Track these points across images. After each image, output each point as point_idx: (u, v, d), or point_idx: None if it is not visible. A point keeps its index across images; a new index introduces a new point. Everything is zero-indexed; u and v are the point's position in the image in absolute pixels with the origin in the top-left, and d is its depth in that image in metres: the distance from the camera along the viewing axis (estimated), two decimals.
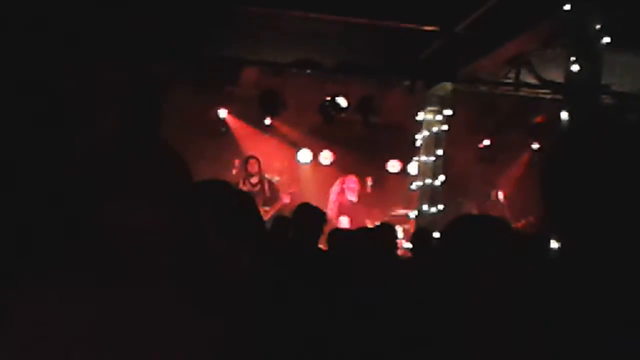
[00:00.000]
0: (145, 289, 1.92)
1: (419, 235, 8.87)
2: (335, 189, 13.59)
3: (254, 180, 13.61)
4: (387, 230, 7.90)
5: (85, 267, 1.89)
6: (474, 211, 12.97)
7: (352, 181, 13.23)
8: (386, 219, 12.84)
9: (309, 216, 7.06)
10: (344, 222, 12.71)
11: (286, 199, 13.51)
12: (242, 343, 2.13)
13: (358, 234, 8.33)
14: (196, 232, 2.19)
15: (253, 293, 2.46)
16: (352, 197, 13.05)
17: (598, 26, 8.59)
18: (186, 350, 1.91)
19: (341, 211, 13.15)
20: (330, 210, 13.27)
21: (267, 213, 12.86)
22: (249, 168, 13.75)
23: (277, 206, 13.46)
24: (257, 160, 13.95)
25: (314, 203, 14.53)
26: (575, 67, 8.57)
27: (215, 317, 2.04)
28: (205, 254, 2.24)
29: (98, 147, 2.10)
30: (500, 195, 13.37)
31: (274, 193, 13.85)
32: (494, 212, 13.06)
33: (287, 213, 11.61)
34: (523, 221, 12.43)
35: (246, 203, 2.69)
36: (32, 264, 1.93)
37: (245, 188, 13.05)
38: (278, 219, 8.69)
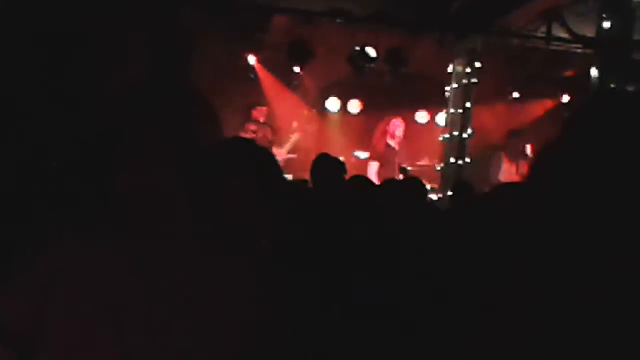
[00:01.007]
0: (171, 242, 1.96)
1: (460, 188, 8.81)
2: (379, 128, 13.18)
3: (253, 127, 13.36)
4: (415, 185, 7.88)
5: (112, 224, 1.93)
6: (505, 163, 12.78)
7: (395, 125, 12.80)
8: (415, 169, 12.80)
9: (328, 168, 6.97)
10: (372, 169, 12.50)
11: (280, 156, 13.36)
12: (274, 301, 2.16)
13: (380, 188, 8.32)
14: (216, 192, 2.21)
15: (275, 254, 2.48)
16: (393, 142, 12.71)
17: None
18: (225, 295, 1.97)
19: (376, 156, 12.81)
20: (371, 155, 13.07)
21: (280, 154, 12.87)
22: (255, 114, 13.58)
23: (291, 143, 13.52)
24: (266, 110, 13.81)
25: (340, 152, 14.53)
26: (607, 24, 8.50)
27: (244, 270, 2.09)
28: (226, 214, 2.26)
29: (125, 95, 2.12)
30: (528, 148, 13.26)
31: (277, 139, 13.79)
32: (522, 164, 12.93)
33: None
34: None
35: (270, 162, 2.70)
36: (64, 222, 1.98)
37: (247, 135, 12.96)
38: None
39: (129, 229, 1.94)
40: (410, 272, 4.45)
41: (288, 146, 13.83)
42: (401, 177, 11.92)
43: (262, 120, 13.61)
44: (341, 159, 14.35)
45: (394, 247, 5.20)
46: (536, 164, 1.72)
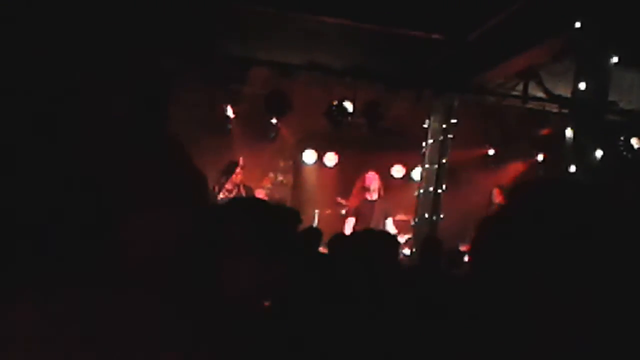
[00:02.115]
0: (142, 301, 1.91)
1: (429, 244, 8.85)
2: (356, 186, 13.24)
3: (229, 186, 13.35)
4: (387, 240, 7.89)
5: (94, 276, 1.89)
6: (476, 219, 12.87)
7: (370, 179, 12.85)
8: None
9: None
10: (349, 224, 12.55)
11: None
12: None
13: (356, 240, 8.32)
14: (211, 246, 2.18)
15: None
16: (370, 196, 12.74)
17: (607, 45, 8.60)
18: None
19: (352, 212, 12.87)
20: (347, 210, 13.14)
21: None
22: (234, 178, 13.53)
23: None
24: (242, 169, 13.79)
25: (315, 204, 14.49)
26: (582, 85, 8.59)
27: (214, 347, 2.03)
28: (217, 274, 2.23)
29: (106, 144, 2.09)
30: (499, 196, 13.32)
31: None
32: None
33: None
34: None
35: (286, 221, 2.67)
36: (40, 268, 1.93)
37: (221, 194, 12.97)
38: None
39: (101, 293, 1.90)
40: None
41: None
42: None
43: (239, 181, 13.57)
44: (316, 211, 14.47)
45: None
46: (476, 240, 1.78)
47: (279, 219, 2.58)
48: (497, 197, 13.32)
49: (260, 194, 13.85)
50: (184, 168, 2.04)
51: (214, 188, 13.06)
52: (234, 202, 2.63)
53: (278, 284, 2.45)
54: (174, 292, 1.94)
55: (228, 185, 13.25)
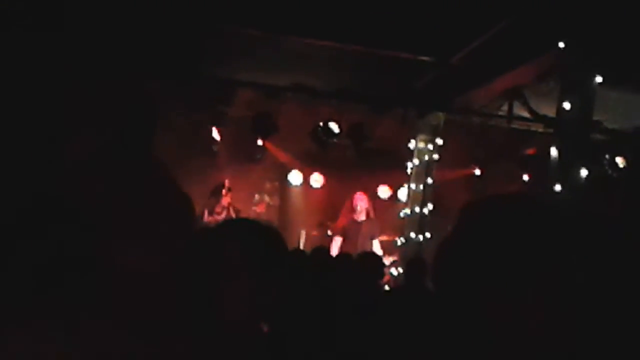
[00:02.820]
0: (132, 332, 1.89)
1: (414, 265, 8.86)
2: (345, 206, 13.27)
3: (218, 209, 13.37)
4: (371, 260, 7.91)
5: (75, 306, 1.87)
6: None
7: (358, 199, 12.89)
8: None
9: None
10: (336, 244, 12.55)
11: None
12: None
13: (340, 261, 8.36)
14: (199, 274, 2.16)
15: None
16: (357, 217, 12.77)
17: (591, 65, 8.64)
18: None
19: (339, 232, 12.89)
20: (335, 230, 13.16)
21: None
22: (223, 200, 13.54)
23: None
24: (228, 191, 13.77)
25: (301, 225, 14.46)
26: (567, 104, 8.62)
27: None
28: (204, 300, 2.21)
29: (89, 168, 2.07)
30: None
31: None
32: None
33: None
34: None
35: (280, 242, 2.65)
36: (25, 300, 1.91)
37: (210, 216, 12.98)
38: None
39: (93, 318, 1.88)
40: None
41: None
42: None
43: (227, 203, 13.55)
44: (302, 232, 14.46)
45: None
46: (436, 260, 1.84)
47: (273, 240, 2.57)
48: None
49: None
50: (167, 193, 2.02)
51: (202, 211, 13.05)
52: (228, 224, 2.60)
53: (275, 306, 2.44)
54: (173, 322, 1.93)
55: (217, 208, 13.25)
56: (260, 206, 14.81)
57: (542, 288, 1.58)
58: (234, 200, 13.68)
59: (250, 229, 2.57)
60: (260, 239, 2.51)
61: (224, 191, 13.50)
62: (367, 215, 12.76)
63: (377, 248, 12.44)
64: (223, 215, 13.20)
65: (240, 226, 2.65)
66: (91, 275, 1.90)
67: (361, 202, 12.70)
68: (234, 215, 13.36)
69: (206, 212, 13.08)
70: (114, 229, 1.92)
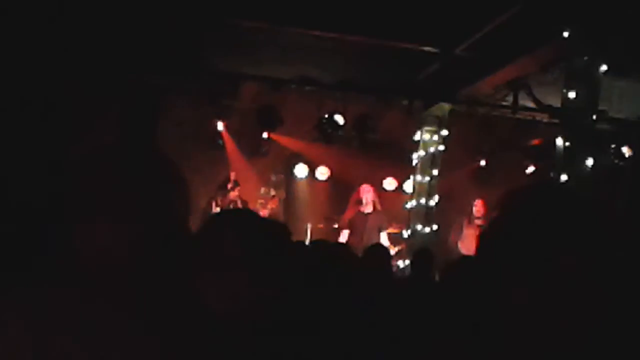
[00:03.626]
0: (100, 314, 1.86)
1: (420, 256, 8.85)
2: (352, 199, 13.25)
3: (226, 202, 13.38)
4: (379, 251, 7.88)
5: (47, 284, 1.84)
6: (465, 227, 12.92)
7: (365, 191, 12.85)
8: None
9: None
10: (343, 237, 12.53)
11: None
12: None
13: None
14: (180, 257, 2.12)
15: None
16: (364, 209, 12.74)
17: (596, 53, 8.62)
18: None
19: (346, 224, 12.87)
20: (341, 223, 13.14)
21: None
22: (231, 194, 13.54)
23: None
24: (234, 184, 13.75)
25: (307, 218, 14.46)
26: (572, 94, 8.60)
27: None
28: (182, 287, 2.15)
29: (89, 158, 2.06)
30: (479, 206, 13.27)
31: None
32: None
33: None
34: None
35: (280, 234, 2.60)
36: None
37: (218, 208, 12.98)
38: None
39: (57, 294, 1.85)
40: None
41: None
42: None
43: (235, 194, 13.55)
44: (308, 224, 14.45)
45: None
46: (480, 244, 1.80)
47: (272, 233, 2.52)
48: (480, 209, 13.27)
49: (263, 212, 13.73)
50: (148, 177, 2.00)
51: (209, 203, 13.06)
52: (225, 214, 2.57)
53: (273, 301, 2.38)
54: (141, 306, 1.89)
55: (225, 201, 13.27)
56: (272, 201, 14.75)
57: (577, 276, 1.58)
58: (241, 193, 13.69)
59: (250, 220, 2.53)
60: (260, 230, 2.47)
61: (229, 185, 13.51)
62: (374, 207, 12.74)
63: (384, 240, 12.43)
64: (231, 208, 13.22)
65: (239, 217, 2.61)
66: (59, 257, 1.89)
67: (367, 194, 12.67)
68: (240, 206, 13.38)
69: (214, 205, 13.10)
70: (81, 210, 1.90)
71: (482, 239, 1.79)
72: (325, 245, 8.32)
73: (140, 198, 1.93)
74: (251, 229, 2.43)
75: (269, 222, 2.60)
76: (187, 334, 1.95)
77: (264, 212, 13.47)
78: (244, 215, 2.60)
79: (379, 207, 12.80)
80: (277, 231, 2.55)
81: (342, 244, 10.09)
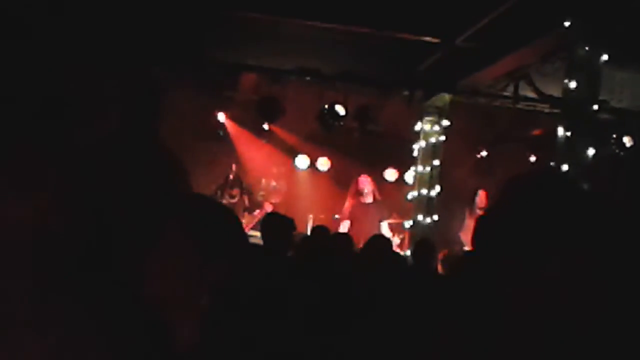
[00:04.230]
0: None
1: (421, 246, 8.88)
2: (350, 190, 13.30)
3: (235, 191, 13.42)
4: (380, 242, 7.89)
5: None
6: (467, 218, 12.98)
7: (363, 182, 12.92)
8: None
9: (277, 225, 7.10)
10: (344, 227, 12.56)
11: (268, 208, 13.32)
12: None
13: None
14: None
15: None
16: (364, 199, 12.80)
17: (597, 43, 8.62)
18: None
19: (347, 216, 12.92)
20: (342, 214, 13.19)
21: (247, 224, 12.83)
22: (233, 183, 13.53)
23: (259, 216, 13.22)
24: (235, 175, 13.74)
25: (309, 208, 14.47)
26: (573, 84, 8.61)
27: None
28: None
29: (97, 148, 2.05)
30: (482, 195, 13.31)
31: (253, 203, 13.66)
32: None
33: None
34: None
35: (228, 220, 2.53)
36: None
37: (224, 200, 12.99)
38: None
39: None
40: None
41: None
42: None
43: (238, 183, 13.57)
44: (310, 216, 14.47)
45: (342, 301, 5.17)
46: (476, 231, 1.80)
47: (225, 219, 2.45)
48: (482, 200, 13.31)
49: (268, 207, 13.68)
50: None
51: (215, 193, 13.08)
52: (177, 198, 2.47)
53: (216, 287, 2.30)
54: (67, 285, 1.85)
55: (227, 192, 13.29)
56: (277, 194, 14.74)
57: (576, 265, 1.57)
58: (243, 183, 13.72)
59: (199, 206, 2.47)
60: (209, 216, 2.41)
61: (231, 176, 13.52)
62: (374, 197, 12.78)
63: (385, 230, 12.45)
64: (235, 200, 13.27)
65: (187, 201, 2.54)
66: None
67: (366, 185, 12.72)
68: (246, 200, 13.44)
69: (217, 196, 13.11)
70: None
71: (480, 225, 1.78)
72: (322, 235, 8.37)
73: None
74: (199, 215, 2.38)
75: (221, 209, 2.54)
76: (125, 320, 1.91)
77: (268, 205, 13.49)
78: (195, 201, 2.54)
79: (378, 197, 12.85)
80: (229, 219, 2.49)
81: (341, 234, 10.11)
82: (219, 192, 13.23)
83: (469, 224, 12.76)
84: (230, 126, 14.80)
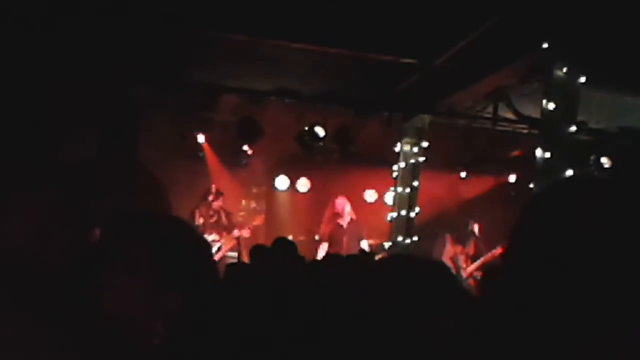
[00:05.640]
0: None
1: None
2: (327, 213, 13.32)
3: (214, 211, 13.32)
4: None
5: None
6: (449, 243, 13.03)
7: (340, 204, 12.96)
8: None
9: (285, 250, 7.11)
10: (321, 250, 12.57)
11: (246, 233, 13.18)
12: None
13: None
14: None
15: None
16: (341, 221, 12.85)
17: (574, 65, 8.67)
18: None
19: (324, 238, 12.94)
20: (320, 237, 13.18)
21: (226, 244, 12.78)
22: (214, 205, 13.43)
23: (231, 243, 13.11)
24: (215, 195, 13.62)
25: (288, 230, 14.46)
26: (551, 105, 8.64)
27: None
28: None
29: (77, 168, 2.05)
30: (476, 227, 13.42)
31: (232, 224, 13.54)
32: (468, 244, 13.17)
33: (245, 247, 11.56)
34: (499, 248, 12.30)
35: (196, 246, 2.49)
36: None
37: (201, 219, 12.93)
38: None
39: None
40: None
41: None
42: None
43: (219, 206, 13.47)
44: (289, 237, 14.43)
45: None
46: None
47: (193, 248, 2.42)
48: (473, 228, 13.40)
49: (246, 232, 13.55)
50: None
51: (192, 214, 12.99)
52: (140, 219, 2.42)
53: (173, 314, 2.25)
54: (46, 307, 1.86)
55: (207, 212, 13.20)
56: (258, 218, 14.62)
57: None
58: (225, 205, 13.64)
59: (162, 227, 2.43)
60: (171, 237, 2.37)
61: (211, 196, 13.44)
62: (350, 218, 12.83)
63: (365, 248, 12.45)
64: (214, 219, 13.18)
65: (152, 222, 2.49)
66: None
67: (344, 206, 12.76)
68: (224, 220, 13.33)
69: (197, 216, 13.02)
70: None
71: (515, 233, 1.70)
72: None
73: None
74: (161, 235, 2.34)
75: (192, 237, 2.50)
76: (87, 336, 1.92)
77: (248, 228, 13.40)
78: (157, 221, 2.51)
79: (354, 216, 12.88)
80: (197, 248, 2.45)
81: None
82: (198, 212, 13.15)
83: (452, 249, 12.82)
84: (209, 147, 14.76)
